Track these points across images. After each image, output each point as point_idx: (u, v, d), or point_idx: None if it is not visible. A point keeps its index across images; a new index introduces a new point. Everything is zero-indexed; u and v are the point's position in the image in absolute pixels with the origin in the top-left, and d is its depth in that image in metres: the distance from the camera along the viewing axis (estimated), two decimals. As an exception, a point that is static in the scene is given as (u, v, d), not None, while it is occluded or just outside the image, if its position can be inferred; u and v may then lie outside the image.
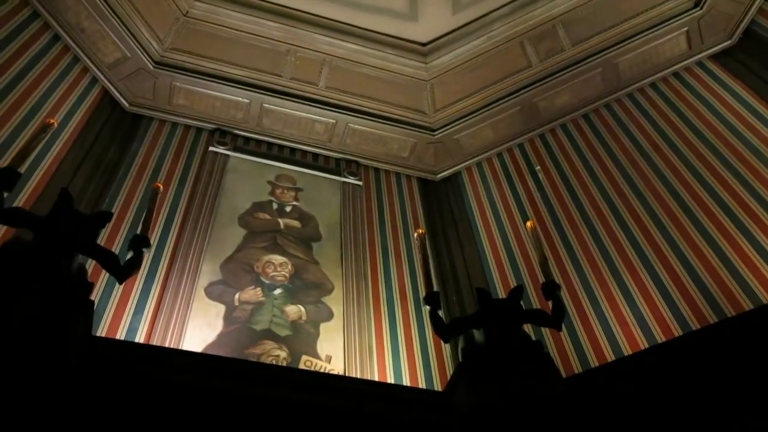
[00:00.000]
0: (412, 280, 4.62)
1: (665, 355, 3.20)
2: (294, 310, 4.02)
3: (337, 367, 3.77)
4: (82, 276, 2.60)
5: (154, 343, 3.46)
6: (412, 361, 4.00)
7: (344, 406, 2.84)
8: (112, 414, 2.45)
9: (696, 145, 4.48)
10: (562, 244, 4.49)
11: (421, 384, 3.87)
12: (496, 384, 2.69)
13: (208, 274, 4.06)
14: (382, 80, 5.71)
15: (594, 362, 3.69)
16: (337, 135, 5.63)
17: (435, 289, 3.12)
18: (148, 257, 3.94)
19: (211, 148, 5.12)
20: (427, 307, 3.01)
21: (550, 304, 3.01)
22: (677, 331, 3.55)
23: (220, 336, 3.70)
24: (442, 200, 5.56)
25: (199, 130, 5.32)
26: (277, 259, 4.36)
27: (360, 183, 5.42)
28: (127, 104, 5.05)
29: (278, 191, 5.02)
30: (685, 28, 5.04)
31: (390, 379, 3.82)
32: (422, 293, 3.63)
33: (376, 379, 3.78)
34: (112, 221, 3.86)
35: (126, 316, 3.59)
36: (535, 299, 4.19)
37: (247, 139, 5.46)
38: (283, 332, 3.85)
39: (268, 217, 4.72)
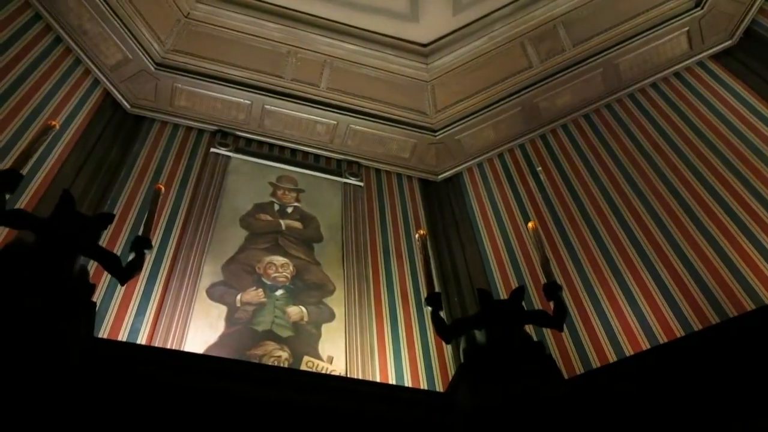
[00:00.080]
0: (413, 281, 4.63)
1: (667, 355, 3.20)
2: (295, 311, 4.03)
3: (338, 368, 3.77)
4: (84, 277, 2.60)
5: (156, 345, 3.46)
6: (414, 362, 4.00)
7: (346, 407, 2.84)
8: (114, 415, 2.45)
9: (697, 144, 4.48)
10: (564, 245, 4.49)
11: (423, 385, 3.87)
12: (497, 385, 2.69)
13: (210, 276, 4.06)
14: (383, 81, 5.71)
15: (596, 363, 3.69)
16: (339, 136, 5.63)
17: (436, 289, 3.12)
18: (149, 259, 3.94)
19: (212, 150, 5.13)
20: (429, 308, 3.01)
21: (551, 304, 3.01)
22: (679, 332, 3.55)
23: (222, 337, 3.71)
24: (443, 201, 5.56)
25: (200, 131, 5.33)
26: (279, 260, 4.36)
27: (361, 184, 5.42)
28: (128, 106, 5.06)
29: (279, 192, 5.02)
30: (686, 28, 5.04)
31: (391, 380, 3.82)
32: (424, 294, 3.64)
33: (378, 379, 3.78)
34: (114, 223, 3.87)
35: (128, 317, 3.59)
36: (536, 300, 4.18)
37: (249, 141, 5.46)
38: (285, 333, 3.85)
39: (269, 218, 4.72)
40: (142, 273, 3.81)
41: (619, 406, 2.98)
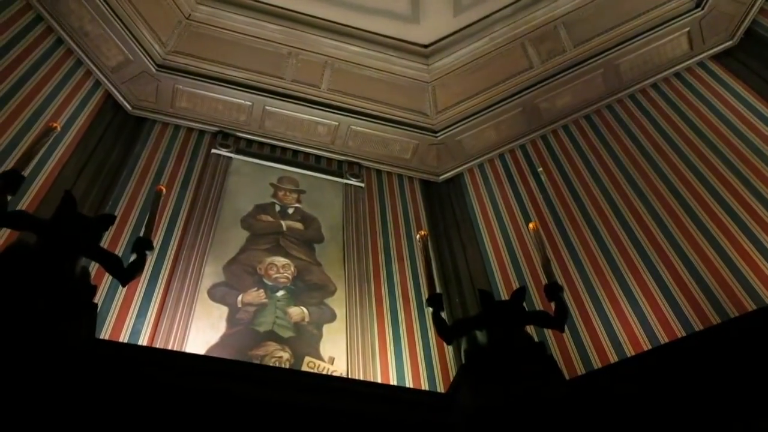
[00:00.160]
0: (414, 282, 4.63)
1: (668, 356, 3.20)
2: (297, 312, 4.03)
3: (339, 369, 3.77)
4: (86, 279, 2.61)
5: (158, 346, 3.47)
6: (415, 363, 4.00)
7: (347, 408, 2.84)
8: (115, 417, 2.45)
9: (698, 145, 4.48)
10: (565, 245, 4.49)
11: (424, 385, 3.87)
12: (499, 385, 2.69)
13: (211, 276, 4.07)
14: (384, 82, 5.72)
15: (597, 363, 3.68)
16: (340, 137, 5.64)
17: (437, 290, 3.12)
18: (151, 260, 3.95)
19: (213, 151, 5.14)
20: (430, 309, 3.01)
21: (552, 305, 3.01)
22: (680, 332, 3.55)
23: (223, 338, 3.71)
24: (444, 202, 5.57)
25: (201, 132, 5.34)
26: (280, 260, 4.36)
27: (362, 185, 5.42)
28: (129, 107, 5.06)
29: (281, 193, 5.03)
30: (687, 29, 5.04)
31: (393, 381, 3.82)
32: (425, 295, 3.64)
33: (379, 380, 3.78)
34: (115, 224, 3.86)
35: (129, 318, 3.60)
36: (537, 301, 4.18)
37: (250, 142, 5.47)
38: (286, 334, 3.86)
39: (270, 219, 4.73)
40: (144, 274, 3.81)
41: (620, 406, 2.98)
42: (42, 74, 4.27)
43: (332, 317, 4.10)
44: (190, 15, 5.22)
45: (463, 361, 2.95)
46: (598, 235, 4.41)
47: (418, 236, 4.06)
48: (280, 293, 4.12)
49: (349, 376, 3.72)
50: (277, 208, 4.87)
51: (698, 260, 3.83)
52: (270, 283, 4.16)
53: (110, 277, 3.43)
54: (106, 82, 4.88)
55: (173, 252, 4.14)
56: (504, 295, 4.36)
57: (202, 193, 4.66)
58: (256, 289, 4.09)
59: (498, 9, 5.47)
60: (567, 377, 3.38)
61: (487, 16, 5.51)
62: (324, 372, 3.70)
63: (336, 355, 3.85)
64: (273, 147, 5.53)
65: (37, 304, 2.32)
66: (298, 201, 5.01)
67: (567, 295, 3.96)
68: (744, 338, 3.00)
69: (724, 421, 2.77)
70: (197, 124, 5.33)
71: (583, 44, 5.34)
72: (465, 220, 5.26)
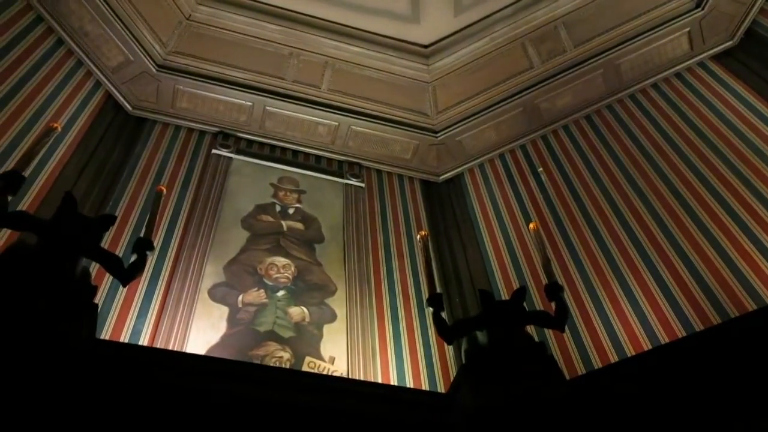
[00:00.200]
0: (414, 282, 4.63)
1: (668, 356, 3.20)
2: (297, 312, 4.03)
3: (340, 369, 3.77)
4: (86, 279, 2.61)
5: (158, 346, 3.47)
6: (416, 363, 4.00)
7: (347, 408, 2.84)
8: (116, 417, 2.46)
9: (698, 145, 4.48)
10: (565, 245, 4.49)
11: (424, 386, 3.87)
12: (499, 385, 2.69)
13: (212, 277, 4.07)
14: (385, 82, 5.72)
15: (597, 363, 3.69)
16: (340, 137, 5.64)
17: (438, 290, 3.12)
18: (151, 260, 3.95)
19: (214, 151, 5.14)
20: (430, 309, 3.01)
21: (553, 305, 3.01)
22: (680, 332, 3.55)
23: (224, 338, 3.71)
24: (444, 202, 5.57)
25: (202, 132, 5.34)
26: (280, 261, 4.37)
27: (362, 185, 5.43)
28: (130, 108, 5.07)
29: (281, 193, 5.03)
30: (687, 29, 5.04)
31: (393, 381, 3.82)
32: (425, 295, 3.64)
33: (380, 380, 3.78)
34: (116, 224, 3.86)
35: (130, 318, 3.60)
36: (538, 301, 4.18)
37: (250, 142, 5.47)
38: (287, 334, 3.86)
39: (271, 219, 4.73)
40: (144, 274, 3.81)
41: (620, 406, 2.98)
42: (42, 75, 4.27)
43: (333, 317, 4.11)
44: (190, 15, 5.22)
45: (464, 361, 2.95)
46: (599, 235, 4.41)
47: (418, 236, 4.07)
48: (281, 293, 4.12)
49: (350, 376, 3.72)
50: (278, 208, 4.87)
51: (699, 260, 3.83)
52: (270, 283, 4.16)
53: (111, 278, 3.44)
54: (107, 82, 4.89)
55: (174, 252, 4.14)
56: (504, 295, 4.37)
57: (202, 193, 4.66)
58: (256, 289, 4.09)
59: (498, 9, 5.47)
60: (567, 377, 3.38)
61: (488, 16, 5.51)
62: (324, 372, 3.70)
63: (336, 355, 3.85)
64: (273, 147, 5.54)
65: (38, 305, 2.32)
66: (299, 201, 5.02)
67: (567, 295, 3.96)
68: (744, 338, 3.01)
69: (725, 422, 2.77)
70: (198, 125, 5.33)
71: (583, 44, 5.34)
72: (465, 220, 5.27)
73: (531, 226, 3.42)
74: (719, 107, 4.61)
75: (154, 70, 5.05)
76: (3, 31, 4.07)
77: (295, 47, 5.50)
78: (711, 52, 5.04)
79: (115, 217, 3.00)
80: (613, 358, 3.66)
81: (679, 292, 3.75)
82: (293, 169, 5.34)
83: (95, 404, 2.42)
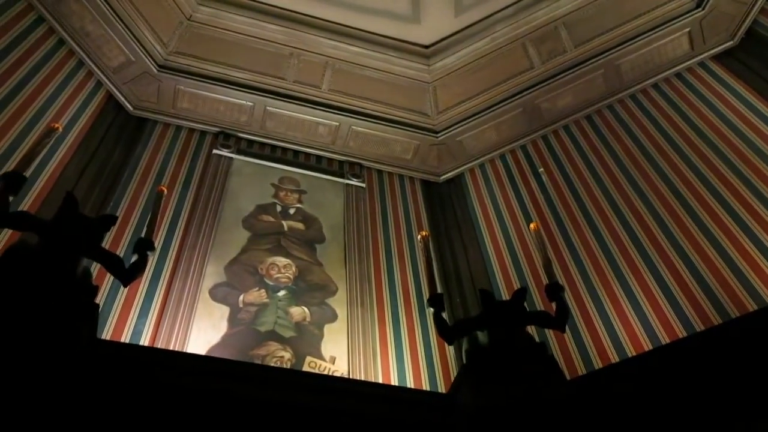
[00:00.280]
0: (415, 282, 4.63)
1: (669, 356, 3.21)
2: (298, 312, 4.04)
3: (341, 369, 3.78)
4: (87, 279, 2.61)
5: (159, 346, 3.47)
6: (416, 363, 4.00)
7: (348, 408, 2.84)
8: (117, 417, 2.46)
9: (698, 145, 4.48)
10: (566, 246, 4.49)
11: (425, 386, 3.87)
12: (499, 386, 2.69)
13: (213, 277, 4.07)
14: (385, 83, 5.72)
15: (598, 364, 3.68)
16: (341, 137, 5.64)
17: (438, 290, 3.12)
18: (152, 260, 3.95)
19: (214, 151, 5.14)
20: (431, 309, 3.02)
21: (553, 305, 3.02)
22: (681, 332, 3.54)
23: (225, 338, 3.72)
24: (445, 202, 5.57)
25: (202, 133, 5.34)
26: (281, 261, 4.37)
27: (363, 185, 5.43)
28: (131, 108, 5.07)
29: (282, 194, 5.03)
30: (687, 29, 5.04)
31: (394, 381, 3.83)
32: (426, 295, 3.64)
33: (380, 380, 3.78)
34: (117, 225, 3.87)
35: (131, 318, 3.60)
36: (538, 301, 4.19)
37: (251, 142, 5.47)
38: (288, 333, 3.86)
39: (271, 219, 4.73)
40: (145, 274, 3.81)
41: (621, 406, 2.98)
42: (44, 75, 4.28)
43: (333, 317, 4.11)
44: (191, 16, 5.22)
45: (464, 361, 2.95)
46: (599, 235, 4.41)
47: (419, 236, 4.06)
48: (282, 293, 4.13)
49: (351, 376, 3.72)
50: (279, 208, 4.87)
51: (699, 260, 3.83)
52: (271, 283, 4.17)
53: (112, 278, 3.43)
54: (108, 82, 4.89)
55: (175, 252, 4.14)
56: (505, 296, 4.37)
57: (203, 193, 4.67)
58: (257, 289, 4.10)
59: (499, 9, 5.47)
60: (568, 377, 3.38)
61: (488, 17, 5.50)
62: (325, 372, 3.70)
63: (337, 354, 3.86)
64: (274, 147, 5.54)
65: (39, 305, 2.33)
66: (299, 201, 5.02)
67: (568, 296, 3.95)
68: (745, 338, 3.01)
69: (725, 422, 2.77)
70: (198, 125, 5.33)
71: (583, 44, 5.34)
72: (466, 220, 5.27)
73: (532, 226, 3.42)
74: (720, 107, 4.61)
75: (155, 70, 5.05)
76: (4, 32, 4.07)
77: (295, 47, 5.50)
78: (711, 52, 5.04)
79: (116, 218, 3.00)
80: (614, 358, 3.66)
81: (679, 292, 3.75)
82: (294, 169, 5.35)
83: (97, 404, 2.43)
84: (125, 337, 3.49)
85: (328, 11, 5.48)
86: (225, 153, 5.16)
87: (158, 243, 4.10)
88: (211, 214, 4.52)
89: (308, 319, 4.02)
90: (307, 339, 3.89)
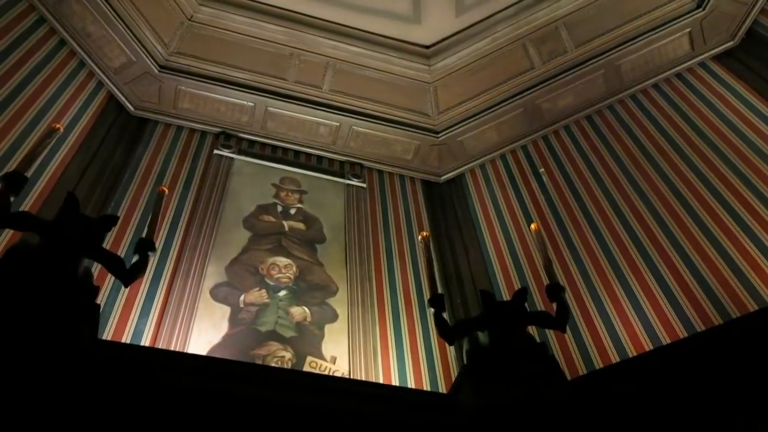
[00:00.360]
0: (416, 283, 4.63)
1: (669, 356, 3.21)
2: (299, 312, 4.04)
3: (341, 369, 3.78)
4: (88, 279, 2.61)
5: (160, 346, 3.48)
6: (417, 363, 4.00)
7: (349, 409, 2.85)
8: (117, 417, 2.46)
9: (699, 145, 4.48)
10: (566, 246, 4.49)
11: (426, 386, 3.87)
12: (500, 386, 2.69)
13: (214, 277, 4.08)
14: (386, 83, 5.72)
15: (598, 364, 3.69)
16: (341, 137, 5.65)
17: (439, 291, 3.12)
18: (153, 260, 3.95)
19: (215, 152, 5.14)
20: (432, 309, 3.02)
21: (554, 305, 3.02)
22: (681, 333, 3.55)
23: (226, 337, 3.72)
24: (445, 202, 5.57)
25: (203, 133, 5.35)
26: (282, 261, 4.37)
27: (364, 185, 5.43)
28: (132, 108, 5.08)
29: (282, 194, 5.04)
30: (688, 29, 5.04)
31: (394, 381, 3.83)
32: (426, 295, 3.64)
33: (381, 380, 3.79)
34: (118, 225, 3.87)
35: (131, 319, 3.61)
36: (539, 301, 4.19)
37: (252, 142, 5.47)
38: (288, 333, 3.87)
39: (272, 219, 4.74)
40: (146, 275, 3.82)
41: (622, 406, 2.98)
42: (45, 76, 4.28)
43: (334, 317, 4.11)
44: (192, 16, 5.23)
45: (465, 362, 2.95)
46: (600, 235, 4.41)
47: (420, 237, 4.07)
48: (282, 293, 4.13)
49: (351, 376, 3.72)
50: (279, 208, 4.88)
51: (700, 260, 3.83)
52: (272, 283, 4.17)
53: (113, 278, 3.43)
54: (109, 83, 4.90)
55: (176, 252, 4.15)
56: (506, 296, 4.37)
57: (204, 193, 4.67)
58: (258, 289, 4.10)
59: (499, 10, 5.47)
60: (569, 378, 3.38)
61: (489, 17, 5.51)
62: (326, 372, 3.71)
63: (338, 354, 3.86)
64: (275, 148, 5.54)
65: (40, 305, 2.33)
66: (300, 201, 5.02)
67: (568, 296, 3.95)
68: (746, 339, 3.01)
69: (726, 422, 2.77)
70: (199, 125, 5.34)
71: (584, 45, 5.34)
72: (466, 220, 5.27)
73: (532, 226, 3.42)
74: (720, 107, 4.61)
75: (156, 70, 5.06)
76: (5, 32, 4.08)
77: (296, 48, 5.51)
78: (712, 52, 5.04)
79: (117, 218, 3.00)
80: (615, 358, 3.66)
81: (680, 292, 3.75)
82: (295, 169, 5.35)
83: (98, 405, 2.43)
84: (126, 338, 3.49)
85: (328, 11, 5.48)
86: (226, 153, 5.17)
87: (159, 243, 4.10)
88: (212, 214, 4.52)
89: (309, 319, 4.02)
90: (307, 339, 3.89)
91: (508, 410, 2.59)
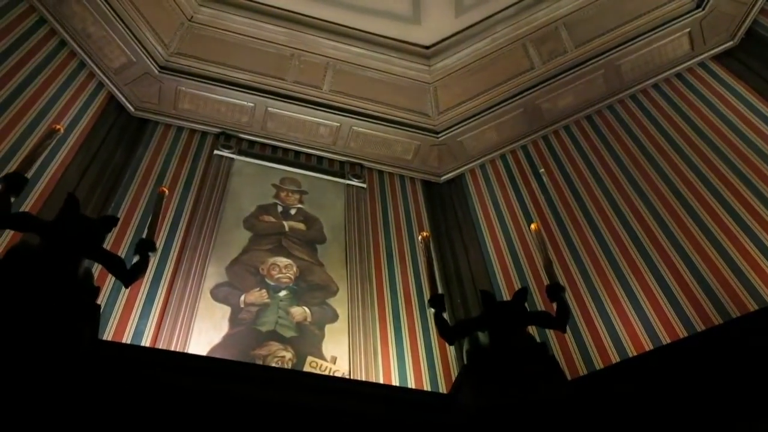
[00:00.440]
0: (416, 283, 4.63)
1: (670, 356, 3.21)
2: (299, 312, 4.04)
3: (342, 369, 3.78)
4: (89, 280, 2.62)
5: (160, 347, 3.48)
6: (417, 363, 4.01)
7: (349, 409, 2.85)
8: (118, 418, 2.47)
9: (699, 145, 4.48)
10: (566, 246, 4.49)
11: (426, 386, 3.87)
12: (500, 386, 2.70)
13: (214, 277, 4.08)
14: (386, 83, 5.73)
15: (599, 364, 3.69)
16: (341, 138, 5.65)
17: (439, 291, 3.13)
18: (153, 261, 3.96)
19: (216, 152, 5.15)
20: (432, 310, 3.02)
21: (554, 306, 3.02)
22: (682, 333, 3.55)
23: (226, 338, 3.72)
24: (446, 202, 5.57)
25: (204, 133, 5.35)
26: (282, 261, 4.38)
27: (364, 185, 5.43)
28: (132, 109, 5.08)
29: (283, 194, 5.04)
30: (688, 29, 5.04)
31: (395, 381, 3.83)
32: (427, 295, 3.65)
33: (381, 380, 3.79)
34: (118, 225, 3.87)
35: (132, 319, 3.61)
36: (539, 301, 4.19)
37: (252, 143, 5.48)
38: (289, 333, 3.87)
39: (273, 219, 4.74)
40: (147, 275, 3.83)
41: (622, 406, 2.99)
42: (45, 76, 4.29)
43: (334, 317, 4.12)
44: (192, 17, 5.23)
45: (465, 362, 2.95)
46: (600, 235, 4.41)
47: (420, 237, 4.07)
48: (283, 293, 4.13)
49: (352, 376, 3.73)
50: (280, 208, 4.88)
51: (700, 260, 3.83)
52: (272, 284, 4.17)
53: (113, 279, 3.44)
54: (109, 83, 4.90)
55: (176, 253, 4.15)
56: (506, 296, 4.37)
57: (204, 194, 4.67)
58: (258, 289, 4.10)
59: (499, 10, 5.47)
60: (569, 378, 3.38)
61: (489, 17, 5.51)
62: (327, 372, 3.71)
63: (338, 354, 3.86)
64: (275, 148, 5.55)
65: (41, 306, 2.33)
66: (300, 202, 5.03)
67: (569, 296, 3.96)
68: (746, 338, 3.01)
69: (726, 422, 2.78)
70: (200, 126, 5.34)
71: (584, 45, 5.34)
72: (466, 220, 5.27)
73: (532, 226, 3.42)
74: (720, 107, 4.61)
75: (156, 71, 5.06)
76: (6, 33, 4.08)
77: (296, 48, 5.51)
78: (712, 52, 5.04)
79: (118, 219, 3.00)
80: (615, 358, 3.66)
81: (680, 292, 3.75)
82: (295, 169, 5.35)
83: (98, 405, 2.43)
84: (127, 338, 3.50)
85: (328, 12, 5.49)
86: (226, 154, 5.17)
87: (159, 244, 4.11)
88: (213, 214, 4.53)
89: (309, 319, 4.03)
90: (308, 339, 3.89)
91: (509, 410, 2.59)
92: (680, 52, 5.13)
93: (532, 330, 3.72)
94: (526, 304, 3.09)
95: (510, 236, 4.87)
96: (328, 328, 4.02)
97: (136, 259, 2.82)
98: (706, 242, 3.90)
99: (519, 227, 4.89)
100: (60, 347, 2.32)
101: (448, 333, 2.97)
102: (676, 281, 3.82)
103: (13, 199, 2.57)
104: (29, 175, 2.71)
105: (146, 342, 3.52)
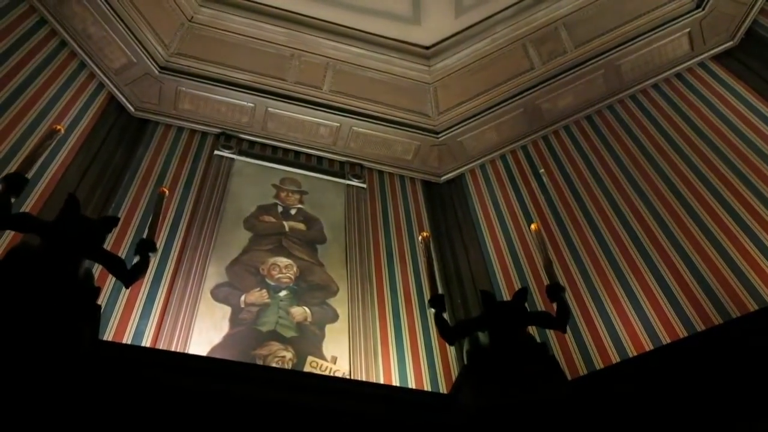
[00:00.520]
0: (416, 283, 4.64)
1: (670, 356, 3.21)
2: (299, 312, 4.05)
3: (342, 369, 3.78)
4: (89, 281, 2.62)
5: (161, 347, 3.48)
6: (417, 364, 4.01)
7: (349, 409, 2.85)
8: (119, 418, 2.47)
9: (699, 145, 4.48)
10: (566, 246, 4.50)
11: (426, 386, 3.88)
12: (501, 386, 2.70)
13: (214, 277, 4.08)
14: (386, 83, 5.73)
15: (599, 364, 3.69)
16: (342, 138, 5.65)
17: (439, 291, 3.13)
18: (154, 261, 3.96)
19: (216, 152, 5.15)
20: (432, 310, 3.02)
21: (554, 306, 3.02)
22: (682, 333, 3.55)
23: (226, 338, 3.72)
24: (446, 203, 5.57)
25: (204, 134, 5.35)
26: (283, 261, 4.38)
27: (364, 186, 5.44)
28: (133, 109, 5.08)
29: (283, 194, 5.04)
30: (687, 29, 5.04)
31: (395, 381, 3.83)
32: (427, 295, 3.65)
33: (381, 380, 3.79)
34: (119, 226, 3.87)
35: (132, 320, 3.61)
36: (539, 301, 4.19)
37: (252, 143, 5.48)
38: (289, 333, 3.87)
39: (273, 219, 4.74)
40: (147, 275, 3.83)
41: (622, 406, 2.99)
42: (45, 77, 4.29)
43: (335, 317, 4.12)
44: (192, 17, 5.23)
45: (465, 362, 2.96)
46: (600, 235, 4.41)
47: (420, 237, 4.07)
48: (283, 293, 4.14)
49: (352, 376, 3.73)
50: (280, 208, 4.88)
51: (700, 260, 3.83)
52: (273, 284, 4.18)
53: (114, 279, 3.45)
54: (110, 84, 4.90)
55: (176, 253, 4.15)
56: (506, 296, 4.37)
57: (204, 194, 4.68)
58: (258, 289, 4.11)
59: (499, 10, 5.47)
60: (569, 378, 3.38)
61: (489, 18, 5.51)
62: (327, 372, 3.71)
63: (338, 354, 3.86)
64: (275, 148, 5.55)
65: (41, 306, 2.34)
66: (301, 202, 5.03)
67: (569, 296, 3.97)
68: (746, 338, 3.01)
69: (727, 422, 2.78)
70: (200, 126, 5.34)
71: (584, 45, 5.34)
72: (467, 221, 5.27)
73: (532, 226, 3.43)
74: (720, 107, 4.61)
75: (156, 71, 5.07)
76: (6, 34, 4.08)
77: (296, 48, 5.52)
78: (711, 52, 5.05)
79: (118, 219, 3.00)
80: (615, 358, 3.66)
81: (680, 292, 3.76)
82: (295, 170, 5.35)
83: (99, 405, 2.43)
84: (127, 338, 3.50)
85: (328, 12, 5.49)
86: (226, 154, 5.17)
87: (160, 244, 4.11)
88: (213, 214, 4.53)
89: (309, 319, 4.03)
90: (308, 339, 3.89)
91: (509, 410, 2.59)
92: (680, 52, 5.14)
93: (532, 330, 3.72)
94: (526, 304, 3.09)
95: (510, 236, 4.87)
96: (328, 328, 4.03)
97: (136, 259, 2.82)
98: (706, 242, 3.90)
99: (519, 227, 4.89)
100: (60, 348, 2.32)
101: (448, 333, 2.98)
102: (676, 281, 3.82)
103: (13, 200, 2.57)
104: (29, 175, 2.71)
105: (147, 342, 3.52)
